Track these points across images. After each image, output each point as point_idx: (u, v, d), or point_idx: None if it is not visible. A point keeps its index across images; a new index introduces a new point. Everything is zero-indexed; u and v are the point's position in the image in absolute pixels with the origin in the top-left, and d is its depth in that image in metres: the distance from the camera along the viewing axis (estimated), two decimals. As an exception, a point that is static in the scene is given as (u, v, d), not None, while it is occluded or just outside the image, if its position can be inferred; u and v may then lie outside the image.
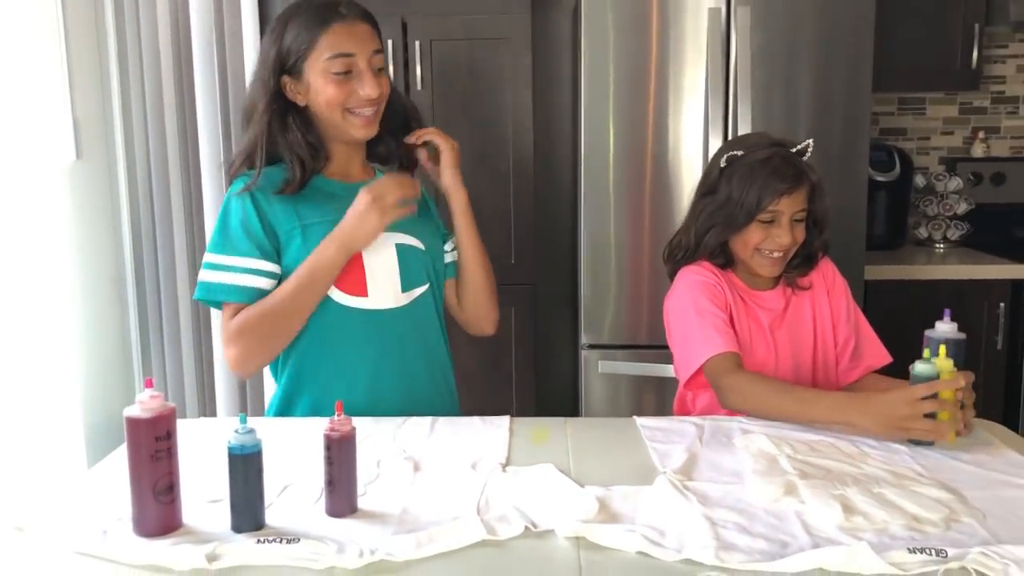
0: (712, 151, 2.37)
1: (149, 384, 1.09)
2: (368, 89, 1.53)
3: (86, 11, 2.38)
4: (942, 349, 1.33)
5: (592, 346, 2.63)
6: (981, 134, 3.27)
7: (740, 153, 1.65)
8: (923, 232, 3.17)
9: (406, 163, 1.71)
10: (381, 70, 1.57)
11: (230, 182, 1.60)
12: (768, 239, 1.63)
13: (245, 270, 1.52)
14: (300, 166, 1.55)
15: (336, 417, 1.13)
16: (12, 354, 2.08)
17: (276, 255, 1.54)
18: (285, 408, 1.62)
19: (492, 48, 2.66)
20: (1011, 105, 3.29)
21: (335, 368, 1.58)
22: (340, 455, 1.13)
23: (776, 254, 1.64)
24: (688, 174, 2.56)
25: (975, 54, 2.93)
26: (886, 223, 3.10)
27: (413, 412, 1.57)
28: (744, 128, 2.52)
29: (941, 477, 1.23)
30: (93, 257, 2.41)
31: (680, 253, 1.73)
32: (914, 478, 1.22)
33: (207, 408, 2.65)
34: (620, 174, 2.59)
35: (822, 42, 2.54)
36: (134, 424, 1.07)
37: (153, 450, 1.07)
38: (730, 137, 2.55)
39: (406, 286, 1.60)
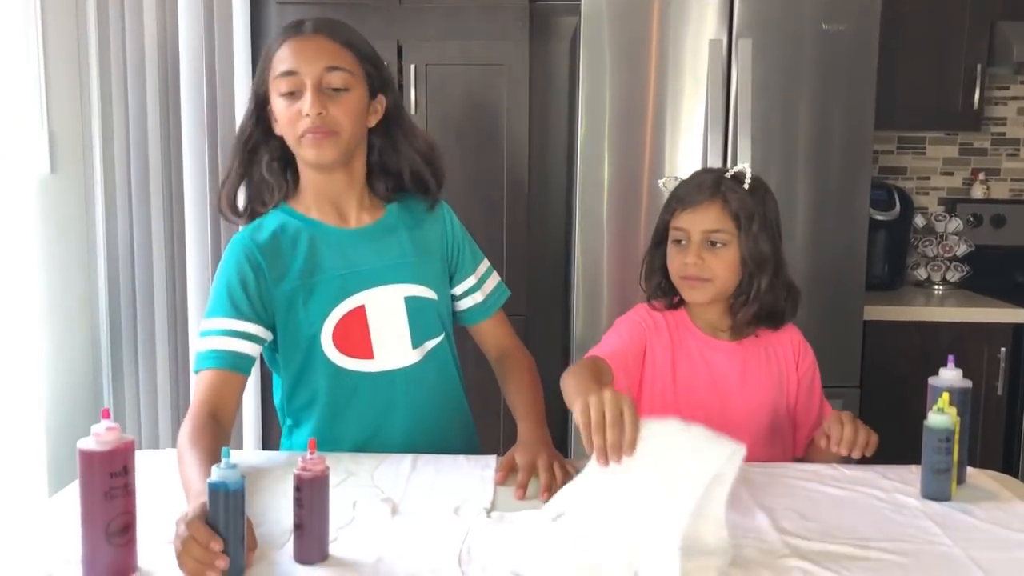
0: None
1: (106, 415, 1.01)
2: (305, 106, 1.38)
3: (66, 22, 2.32)
4: (945, 396, 1.25)
5: (583, 380, 2.56)
6: (981, 175, 3.23)
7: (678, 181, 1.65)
8: (922, 273, 3.12)
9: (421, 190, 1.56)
10: (339, 90, 1.41)
11: (224, 216, 1.52)
12: (681, 263, 1.56)
13: (223, 332, 1.39)
14: (268, 193, 1.48)
15: (308, 455, 1.05)
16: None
17: (266, 315, 1.43)
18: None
19: (489, 74, 2.62)
20: (1012, 147, 3.25)
21: (342, 427, 1.49)
22: (311, 497, 1.04)
23: (691, 279, 1.55)
24: (685, 207, 2.50)
25: (977, 95, 2.90)
26: (885, 263, 3.05)
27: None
28: (743, 160, 2.47)
29: (955, 536, 1.15)
30: (64, 276, 2.33)
31: (646, 289, 1.69)
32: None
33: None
34: (615, 206, 2.54)
35: (824, 78, 2.50)
36: (87, 458, 0.99)
37: (108, 487, 0.99)
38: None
39: (417, 341, 1.51)
